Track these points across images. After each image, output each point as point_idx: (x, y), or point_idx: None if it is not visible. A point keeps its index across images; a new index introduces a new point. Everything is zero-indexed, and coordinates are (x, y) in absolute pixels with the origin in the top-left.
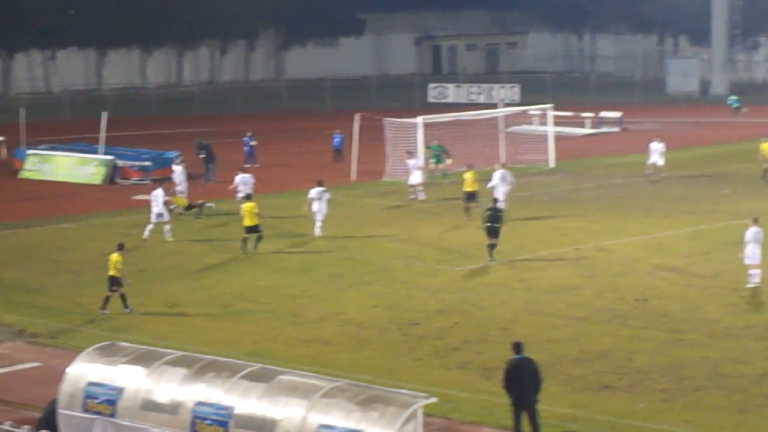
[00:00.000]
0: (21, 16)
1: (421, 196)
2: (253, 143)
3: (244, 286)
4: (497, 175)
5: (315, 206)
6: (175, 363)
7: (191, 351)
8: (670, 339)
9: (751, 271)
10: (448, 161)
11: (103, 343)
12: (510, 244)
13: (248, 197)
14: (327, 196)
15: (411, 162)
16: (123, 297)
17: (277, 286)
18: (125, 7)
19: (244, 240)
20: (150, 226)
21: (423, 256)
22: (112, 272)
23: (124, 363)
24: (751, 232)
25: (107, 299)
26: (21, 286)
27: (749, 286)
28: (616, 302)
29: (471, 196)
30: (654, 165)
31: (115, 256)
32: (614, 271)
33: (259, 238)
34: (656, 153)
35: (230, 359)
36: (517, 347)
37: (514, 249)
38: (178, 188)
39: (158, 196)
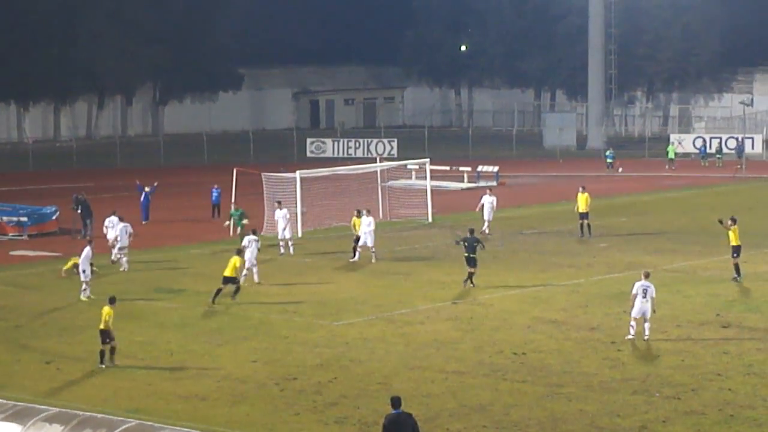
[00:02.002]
0: None
1: (291, 250)
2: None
3: (122, 341)
4: (365, 221)
5: (247, 254)
6: (51, 420)
7: (68, 407)
8: (548, 392)
9: (632, 323)
10: (245, 221)
11: None
12: (388, 298)
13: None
14: (257, 244)
15: (279, 212)
16: (112, 350)
17: (154, 342)
18: (1, 61)
19: (218, 291)
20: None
21: (301, 311)
22: (102, 326)
23: (0, 420)
24: (639, 285)
25: (103, 353)
26: None
27: (629, 337)
28: (494, 356)
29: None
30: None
31: (106, 309)
32: (493, 324)
33: (237, 290)
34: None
35: (108, 415)
36: (396, 402)
37: (392, 303)
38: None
39: (87, 256)
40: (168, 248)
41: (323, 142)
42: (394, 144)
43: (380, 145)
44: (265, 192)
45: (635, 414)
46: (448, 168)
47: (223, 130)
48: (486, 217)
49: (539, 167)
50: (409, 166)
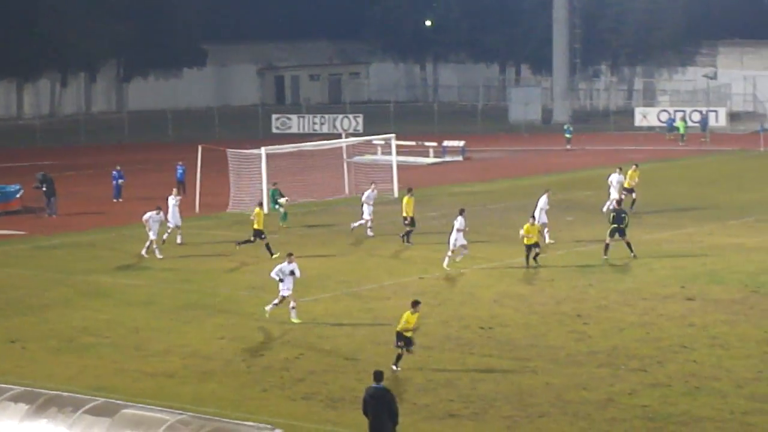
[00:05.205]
0: None
1: (370, 233)
2: (121, 181)
3: (88, 319)
4: (542, 200)
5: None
6: (16, 399)
7: (33, 386)
8: (515, 366)
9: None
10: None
11: None
12: (355, 274)
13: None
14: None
15: (368, 193)
16: (398, 356)
17: (120, 320)
18: None
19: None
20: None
21: (268, 287)
22: (402, 328)
23: None
24: None
25: (398, 357)
26: None
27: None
28: (461, 330)
29: (410, 221)
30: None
31: (407, 315)
32: (459, 299)
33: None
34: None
35: (73, 394)
36: (376, 376)
37: (358, 279)
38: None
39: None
40: (133, 226)
41: (288, 118)
42: (360, 119)
43: (346, 121)
44: (230, 168)
45: (601, 387)
46: (413, 143)
47: (188, 107)
48: (614, 195)
49: (505, 142)
50: (374, 142)
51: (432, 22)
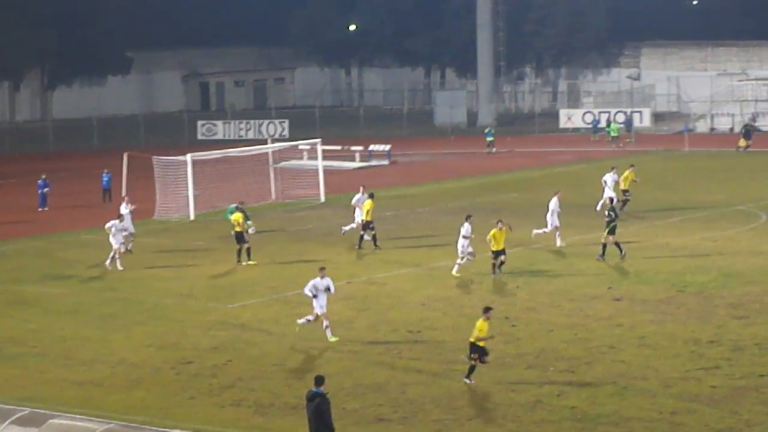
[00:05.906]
0: None
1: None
2: (46, 189)
3: (14, 329)
4: (553, 202)
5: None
6: None
7: None
8: (443, 370)
9: None
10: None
11: None
12: (282, 279)
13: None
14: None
15: (358, 197)
16: (472, 368)
17: (47, 329)
18: None
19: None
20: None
21: (195, 294)
22: (472, 339)
23: None
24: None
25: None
26: None
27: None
28: (389, 334)
29: (367, 225)
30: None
31: (480, 323)
32: (387, 303)
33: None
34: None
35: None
36: (316, 380)
37: (286, 284)
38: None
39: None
40: (59, 234)
41: (214, 125)
42: (285, 125)
43: (271, 127)
44: (156, 176)
45: (530, 389)
46: (339, 148)
47: (113, 115)
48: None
49: (430, 145)
50: (300, 147)
51: (356, 26)
